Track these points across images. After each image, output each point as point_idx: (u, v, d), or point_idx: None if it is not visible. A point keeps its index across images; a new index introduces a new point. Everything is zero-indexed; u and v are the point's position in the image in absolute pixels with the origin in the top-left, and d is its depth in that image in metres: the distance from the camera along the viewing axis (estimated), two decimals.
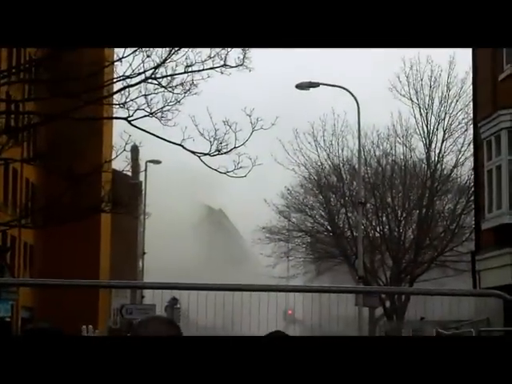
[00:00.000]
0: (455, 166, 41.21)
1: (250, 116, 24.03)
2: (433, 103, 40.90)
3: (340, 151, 42.32)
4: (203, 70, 24.32)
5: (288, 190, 44.20)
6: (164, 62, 24.16)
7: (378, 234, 42.20)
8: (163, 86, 24.58)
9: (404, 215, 41.81)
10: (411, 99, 41.05)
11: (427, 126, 41.00)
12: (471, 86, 29.46)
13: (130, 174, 43.04)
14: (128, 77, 24.38)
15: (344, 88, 31.21)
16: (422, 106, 41.03)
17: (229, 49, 23.63)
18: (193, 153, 24.21)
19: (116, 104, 25.45)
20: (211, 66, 24.06)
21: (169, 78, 24.61)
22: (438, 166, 41.32)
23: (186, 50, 23.85)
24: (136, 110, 24.37)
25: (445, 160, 41.29)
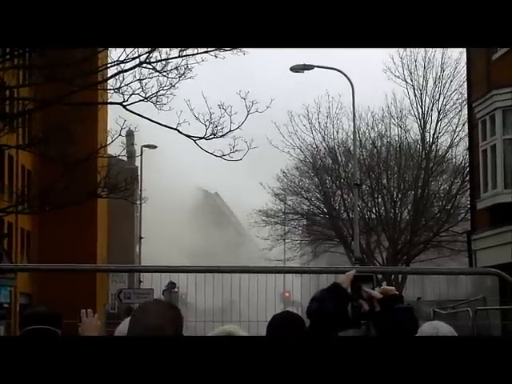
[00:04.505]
0: (450, 147, 41.22)
1: (244, 99, 24.01)
2: (427, 84, 40.85)
3: (335, 133, 42.30)
4: (197, 53, 24.26)
5: (283, 172, 44.21)
6: None
7: (373, 216, 42.24)
8: (157, 71, 24.53)
9: (399, 196, 41.84)
10: (405, 80, 40.99)
11: (422, 107, 40.97)
12: (465, 67, 29.43)
13: (125, 159, 42.98)
14: (122, 61, 24.32)
15: (338, 70, 31.17)
16: (416, 87, 40.99)
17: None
18: (188, 137, 24.18)
19: (110, 89, 25.41)
20: (205, 49, 23.99)
21: (163, 62, 24.57)
22: (433, 146, 41.31)
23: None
24: (131, 95, 24.35)
25: (440, 141, 41.30)
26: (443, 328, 4.55)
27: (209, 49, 23.91)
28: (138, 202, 44.92)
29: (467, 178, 34.10)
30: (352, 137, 35.23)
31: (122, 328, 4.38)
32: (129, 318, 3.51)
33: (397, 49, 41.07)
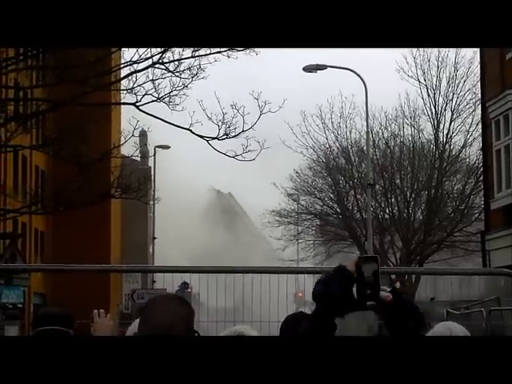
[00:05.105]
0: (464, 147, 41.12)
1: (257, 99, 23.96)
2: (440, 84, 40.78)
3: (348, 133, 42.27)
4: (210, 54, 24.24)
5: (297, 172, 44.19)
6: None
7: (387, 216, 42.17)
8: (170, 71, 24.53)
9: (413, 196, 41.76)
10: (419, 80, 40.93)
11: (435, 107, 40.88)
12: (479, 66, 29.35)
13: (138, 159, 43.07)
14: (135, 62, 24.34)
15: (351, 70, 31.13)
16: (429, 87, 40.92)
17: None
18: (201, 137, 24.18)
19: (124, 90, 25.44)
20: (218, 49, 24.00)
21: (176, 62, 24.57)
22: (447, 146, 41.22)
23: None
24: (144, 96, 24.35)
25: (453, 140, 41.22)
26: (456, 328, 4.54)
27: (221, 49, 23.93)
28: (151, 202, 44.98)
29: (481, 178, 33.99)
30: (365, 137, 35.18)
31: (133, 327, 4.39)
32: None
33: (410, 48, 41.03)
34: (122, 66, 25.59)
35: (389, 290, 3.05)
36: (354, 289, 2.99)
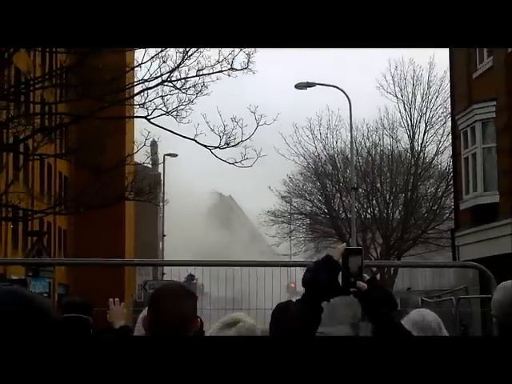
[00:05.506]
0: (436, 155, 41.16)
1: (254, 113, 24.03)
2: (415, 99, 40.82)
3: (334, 143, 42.30)
4: (213, 73, 24.30)
5: (289, 177, 44.19)
6: (178, 66, 24.18)
7: (369, 216, 42.16)
8: (178, 88, 24.56)
9: (392, 198, 41.76)
10: (396, 96, 40.97)
11: (411, 120, 40.92)
12: (449, 84, 29.37)
13: (150, 166, 42.99)
14: (146, 80, 24.38)
15: (337, 87, 31.13)
16: (405, 102, 40.95)
17: (235, 54, 23.76)
18: (205, 146, 24.21)
19: (136, 104, 25.46)
20: (220, 69, 24.04)
21: (182, 80, 24.59)
22: (421, 154, 41.24)
23: (198, 55, 23.99)
24: (154, 110, 24.38)
25: (427, 149, 41.25)
26: (429, 315, 4.53)
27: (223, 68, 23.99)
28: (161, 204, 44.92)
29: (451, 182, 34.00)
30: (349, 146, 35.20)
31: (145, 313, 4.39)
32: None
33: (388, 68, 41.14)
34: (135, 83, 25.61)
35: (368, 277, 3.03)
36: (339, 276, 2.97)
